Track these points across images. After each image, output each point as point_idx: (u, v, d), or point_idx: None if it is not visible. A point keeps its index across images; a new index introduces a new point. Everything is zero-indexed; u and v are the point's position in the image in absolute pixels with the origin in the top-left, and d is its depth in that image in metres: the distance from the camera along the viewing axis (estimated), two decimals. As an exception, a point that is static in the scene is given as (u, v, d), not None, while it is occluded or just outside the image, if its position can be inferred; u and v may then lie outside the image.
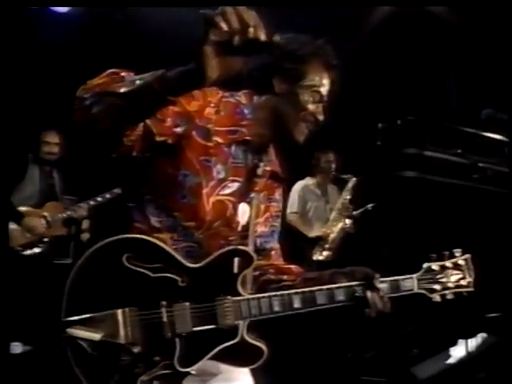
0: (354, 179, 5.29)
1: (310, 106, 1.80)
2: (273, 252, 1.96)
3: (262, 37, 1.36)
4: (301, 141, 1.82)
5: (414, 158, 3.92)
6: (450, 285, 1.83)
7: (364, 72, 5.71)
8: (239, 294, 1.67)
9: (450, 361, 3.86)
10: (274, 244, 1.97)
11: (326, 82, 1.83)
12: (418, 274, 1.82)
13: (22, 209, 4.70)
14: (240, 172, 1.79)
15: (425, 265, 1.83)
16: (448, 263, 1.84)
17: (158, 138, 1.62)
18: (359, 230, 5.22)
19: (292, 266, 1.95)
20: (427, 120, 4.00)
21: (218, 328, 1.64)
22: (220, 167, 1.74)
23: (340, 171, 5.37)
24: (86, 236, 4.71)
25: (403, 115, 3.99)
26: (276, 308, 1.68)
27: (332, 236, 5.21)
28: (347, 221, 5.22)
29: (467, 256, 1.87)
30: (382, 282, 1.76)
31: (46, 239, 4.74)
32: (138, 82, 1.50)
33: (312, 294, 1.72)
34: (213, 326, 1.63)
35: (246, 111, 1.81)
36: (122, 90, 1.50)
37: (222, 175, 1.74)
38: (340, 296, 1.74)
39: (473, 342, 3.76)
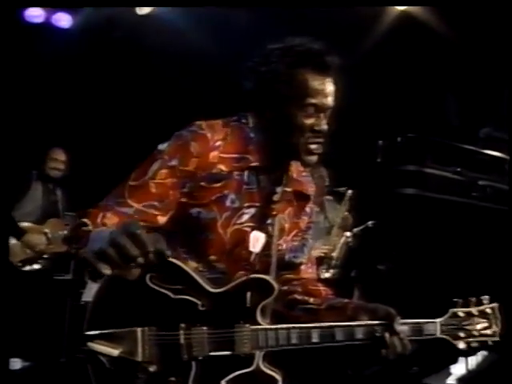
0: (350, 191, 5.28)
1: (309, 121, 1.71)
2: (302, 266, 1.93)
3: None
4: (312, 161, 1.76)
5: (413, 175, 3.94)
6: (475, 333, 1.78)
7: (364, 89, 5.74)
8: (258, 323, 1.66)
9: (451, 379, 3.84)
10: (304, 257, 1.93)
11: (320, 87, 1.71)
12: (442, 318, 1.77)
13: (24, 225, 4.71)
14: (255, 197, 1.76)
15: (450, 310, 1.78)
16: (474, 310, 1.79)
17: (163, 218, 1.68)
18: (359, 246, 5.22)
19: (321, 288, 1.91)
20: (427, 137, 4.02)
21: (234, 355, 1.63)
22: (233, 197, 1.72)
23: (334, 185, 5.36)
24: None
25: (403, 132, 4.01)
26: (293, 340, 1.66)
27: (336, 252, 5.20)
28: (348, 234, 5.20)
29: (495, 305, 1.82)
30: (403, 324, 1.72)
31: (46, 256, 4.75)
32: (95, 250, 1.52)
33: (331, 330, 1.69)
34: (229, 353, 1.63)
35: (252, 135, 1.77)
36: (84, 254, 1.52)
37: (236, 204, 1.73)
38: (359, 334, 1.70)
39: (473, 360, 3.75)
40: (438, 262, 4.08)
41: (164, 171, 1.68)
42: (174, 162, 1.68)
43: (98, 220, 1.62)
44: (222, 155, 1.71)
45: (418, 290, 4.02)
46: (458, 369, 3.82)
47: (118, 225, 1.59)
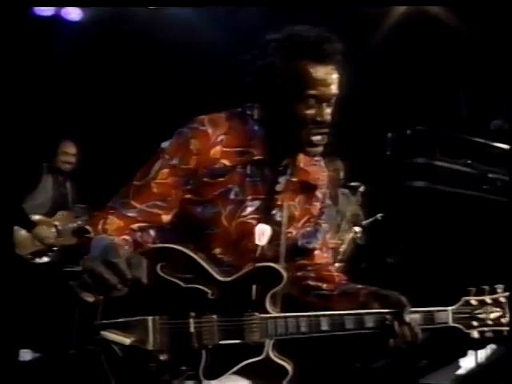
0: (363, 187, 5.27)
1: (310, 113, 1.67)
2: (316, 252, 1.91)
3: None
4: (317, 153, 1.75)
5: (423, 167, 3.91)
6: (489, 322, 1.74)
7: (373, 81, 5.72)
8: (267, 311, 1.66)
9: (460, 372, 3.83)
10: (317, 243, 1.91)
11: (320, 77, 1.66)
12: (454, 306, 1.74)
13: (34, 217, 4.74)
14: (258, 189, 1.75)
15: (463, 298, 1.75)
16: (488, 299, 1.75)
17: (167, 217, 1.70)
18: (368, 239, 5.21)
19: (334, 273, 1.91)
20: (437, 130, 4.00)
21: (244, 343, 1.64)
22: (237, 189, 1.72)
23: (348, 179, 5.35)
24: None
25: (412, 125, 3.99)
26: (303, 329, 1.66)
27: (343, 247, 5.18)
28: (357, 229, 5.19)
29: (509, 293, 1.77)
30: (415, 312, 1.70)
31: (55, 248, 4.78)
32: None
33: (341, 318, 1.68)
34: (239, 341, 1.64)
35: (255, 127, 1.75)
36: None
37: (240, 197, 1.72)
38: (369, 323, 1.69)
39: (482, 353, 3.74)
40: (447, 254, 4.07)
41: (165, 170, 1.69)
42: (174, 161, 1.69)
43: (99, 227, 1.64)
44: (224, 149, 1.71)
45: (426, 283, 4.01)
46: (467, 362, 3.81)
47: (119, 230, 1.63)
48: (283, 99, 1.68)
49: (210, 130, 1.70)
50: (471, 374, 3.76)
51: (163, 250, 1.68)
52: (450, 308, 1.74)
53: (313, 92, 1.66)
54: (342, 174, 5.34)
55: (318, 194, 1.89)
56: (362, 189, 5.26)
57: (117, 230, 1.63)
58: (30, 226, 4.67)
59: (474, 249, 3.90)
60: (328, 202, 1.95)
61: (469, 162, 3.92)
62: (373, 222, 5.24)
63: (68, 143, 5.04)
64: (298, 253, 1.87)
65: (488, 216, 3.94)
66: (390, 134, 4.03)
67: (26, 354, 4.39)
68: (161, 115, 5.84)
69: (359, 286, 1.83)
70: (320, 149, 1.73)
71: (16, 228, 4.62)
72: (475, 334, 1.74)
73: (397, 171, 4.06)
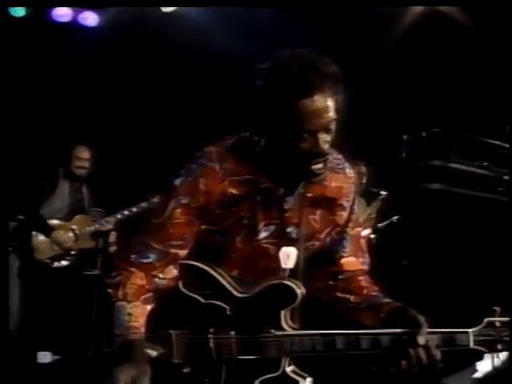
0: (384, 194, 5.25)
1: (306, 146, 1.65)
2: (344, 260, 1.91)
3: None
4: (319, 180, 1.75)
5: (439, 170, 3.90)
6: None
7: (389, 83, 5.71)
8: (284, 329, 1.70)
9: (477, 375, 3.81)
10: (344, 251, 1.90)
11: (309, 109, 1.61)
12: (476, 328, 1.67)
13: (52, 222, 4.80)
14: (270, 213, 1.76)
15: (486, 320, 1.68)
16: None
17: (184, 251, 1.74)
18: (384, 241, 5.20)
19: (363, 284, 1.89)
20: (452, 132, 3.98)
21: (262, 359, 1.68)
22: (249, 216, 1.74)
23: (370, 184, 5.35)
24: (113, 249, 4.79)
25: (428, 127, 3.98)
26: (318, 347, 1.68)
27: None
28: (372, 236, 5.19)
29: None
30: (432, 333, 1.66)
31: (73, 252, 4.83)
32: None
33: (356, 338, 1.67)
34: (256, 357, 1.68)
35: (262, 155, 1.76)
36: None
37: (252, 222, 1.74)
38: (385, 343, 1.67)
39: (499, 357, 3.71)
40: (463, 257, 4.05)
41: (179, 210, 1.72)
42: (185, 201, 1.72)
43: (120, 293, 1.68)
44: (232, 178, 1.72)
45: (442, 286, 4.00)
46: (484, 365, 3.78)
47: (138, 291, 1.67)
48: (276, 135, 1.66)
49: (217, 166, 1.72)
50: (488, 377, 3.73)
51: (183, 267, 1.74)
52: (470, 330, 1.67)
53: (305, 127, 1.63)
54: (364, 179, 5.32)
55: (343, 202, 1.85)
56: (382, 194, 5.24)
57: (135, 294, 1.67)
58: (48, 230, 4.73)
59: (489, 251, 3.89)
60: (355, 207, 1.91)
61: (485, 164, 3.90)
62: (388, 224, 5.23)
63: (81, 148, 5.08)
64: (327, 261, 1.89)
65: (505, 219, 3.91)
66: (405, 137, 4.02)
67: (44, 357, 4.45)
68: (175, 118, 5.88)
69: (384, 301, 1.81)
70: (324, 176, 1.73)
71: (34, 233, 4.69)
72: (500, 355, 1.72)
73: (412, 174, 4.04)
